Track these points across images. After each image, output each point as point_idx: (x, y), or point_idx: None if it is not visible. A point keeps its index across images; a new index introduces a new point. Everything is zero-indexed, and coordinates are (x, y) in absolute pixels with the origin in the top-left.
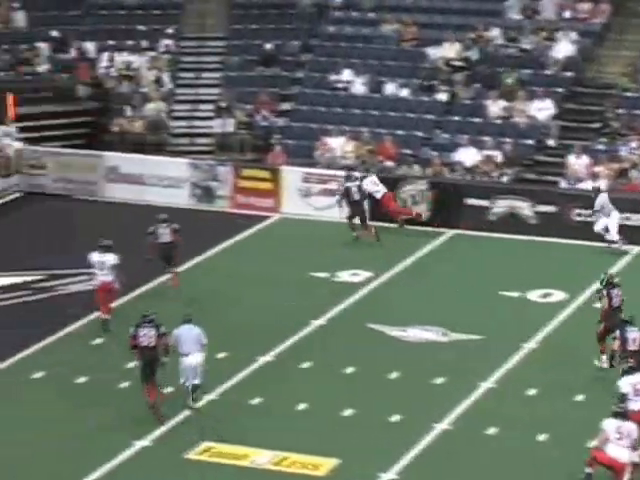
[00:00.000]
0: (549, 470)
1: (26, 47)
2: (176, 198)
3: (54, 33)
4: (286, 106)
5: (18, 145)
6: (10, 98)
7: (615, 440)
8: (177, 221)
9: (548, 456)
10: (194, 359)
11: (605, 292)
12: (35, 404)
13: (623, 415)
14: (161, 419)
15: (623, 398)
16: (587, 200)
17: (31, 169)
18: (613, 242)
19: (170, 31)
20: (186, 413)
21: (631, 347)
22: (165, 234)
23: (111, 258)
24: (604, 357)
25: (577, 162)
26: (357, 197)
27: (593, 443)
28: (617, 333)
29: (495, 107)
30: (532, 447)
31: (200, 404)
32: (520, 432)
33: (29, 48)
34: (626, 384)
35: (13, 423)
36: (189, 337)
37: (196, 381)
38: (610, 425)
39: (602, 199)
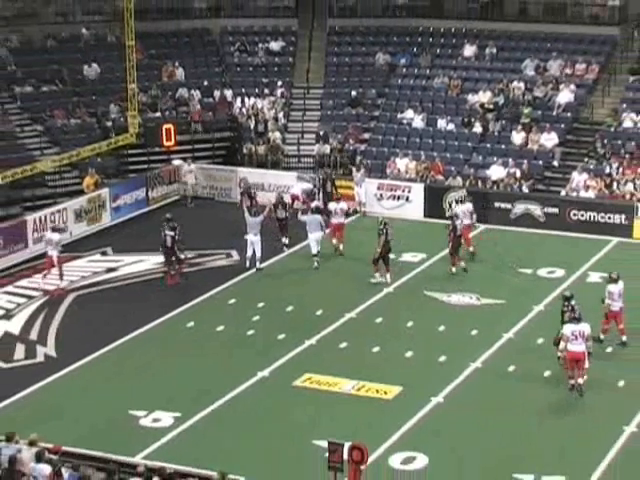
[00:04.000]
0: (541, 401)
1: (184, 93)
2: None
3: (205, 83)
4: (366, 136)
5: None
6: (173, 130)
7: (573, 340)
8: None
9: (548, 394)
10: (317, 235)
11: (384, 230)
12: (187, 343)
13: (578, 320)
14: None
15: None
16: (582, 205)
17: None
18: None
19: (283, 83)
20: (289, 356)
21: (458, 233)
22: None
23: (343, 205)
24: (377, 274)
25: (578, 177)
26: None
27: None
28: (450, 225)
29: (517, 137)
30: (539, 382)
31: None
32: (529, 368)
33: (186, 95)
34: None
35: (176, 357)
36: (313, 222)
37: (314, 250)
38: (567, 330)
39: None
